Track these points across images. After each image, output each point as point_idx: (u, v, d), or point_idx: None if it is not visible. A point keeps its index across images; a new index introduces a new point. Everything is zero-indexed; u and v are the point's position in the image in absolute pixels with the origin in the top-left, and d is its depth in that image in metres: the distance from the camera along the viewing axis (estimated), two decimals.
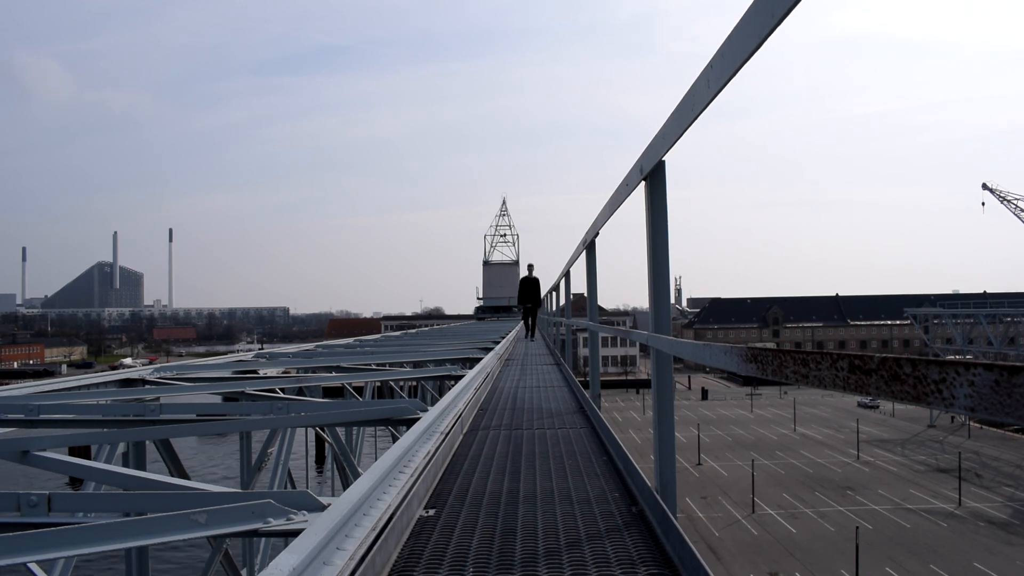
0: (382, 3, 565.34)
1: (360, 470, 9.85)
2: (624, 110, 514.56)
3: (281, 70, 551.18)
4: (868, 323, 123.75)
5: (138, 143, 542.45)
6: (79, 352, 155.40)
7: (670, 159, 2.90)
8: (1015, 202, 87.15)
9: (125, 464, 6.18)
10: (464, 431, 5.06)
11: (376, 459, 3.14)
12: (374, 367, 9.13)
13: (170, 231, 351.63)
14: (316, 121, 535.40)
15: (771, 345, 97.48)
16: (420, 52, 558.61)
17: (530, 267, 19.00)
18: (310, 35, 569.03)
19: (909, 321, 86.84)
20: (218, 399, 7.54)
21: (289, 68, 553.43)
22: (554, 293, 17.81)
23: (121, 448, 6.04)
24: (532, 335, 19.03)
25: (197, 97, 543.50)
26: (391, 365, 9.54)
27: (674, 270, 3.10)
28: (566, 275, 10.79)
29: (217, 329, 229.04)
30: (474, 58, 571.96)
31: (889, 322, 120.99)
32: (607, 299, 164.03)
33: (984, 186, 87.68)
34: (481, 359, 9.11)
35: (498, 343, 12.83)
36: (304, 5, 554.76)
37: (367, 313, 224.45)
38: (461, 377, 6.91)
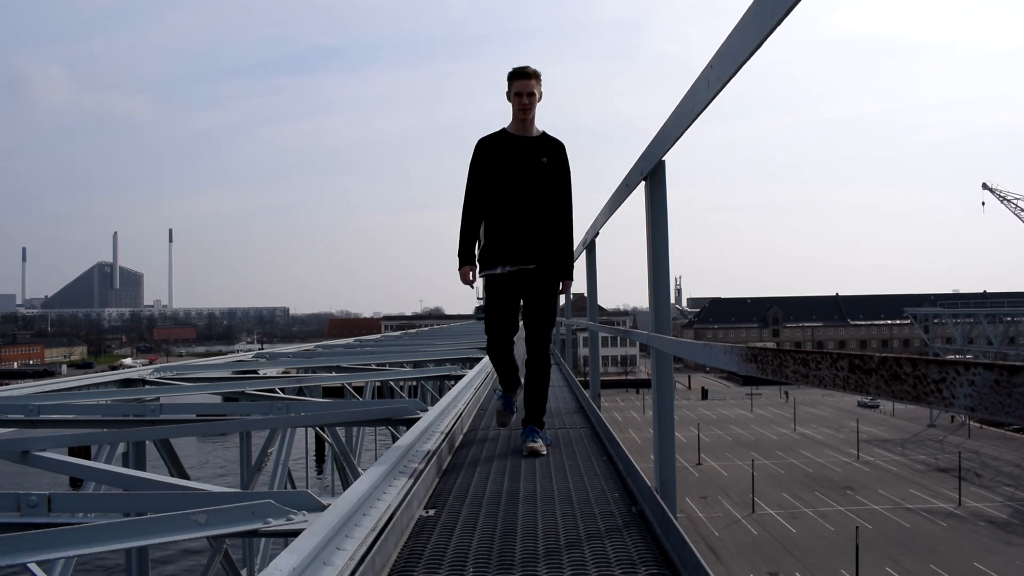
0: (380, 6, 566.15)
1: (360, 470, 9.84)
2: (619, 111, 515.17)
3: (281, 70, 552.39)
4: (868, 323, 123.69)
5: (138, 144, 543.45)
6: (79, 352, 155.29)
7: (670, 159, 2.90)
8: (1015, 202, 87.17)
9: (125, 464, 6.18)
10: (464, 431, 5.06)
11: (376, 459, 3.14)
12: (374, 367, 9.14)
13: (170, 231, 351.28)
14: (316, 121, 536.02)
15: (771, 345, 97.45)
16: (419, 53, 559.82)
17: (524, 84, 4.25)
18: (308, 36, 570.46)
19: (909, 321, 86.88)
20: (218, 399, 7.54)
21: (288, 69, 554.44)
22: None
23: (121, 448, 6.04)
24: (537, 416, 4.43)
25: (196, 98, 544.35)
26: (391, 365, 9.54)
27: (674, 270, 3.09)
28: None
29: (217, 329, 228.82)
30: (473, 59, 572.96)
31: (889, 322, 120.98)
32: (607, 299, 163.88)
33: (984, 186, 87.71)
34: (481, 359, 9.10)
35: None
36: (304, 7, 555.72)
37: (367, 313, 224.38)
38: (461, 377, 6.92)
